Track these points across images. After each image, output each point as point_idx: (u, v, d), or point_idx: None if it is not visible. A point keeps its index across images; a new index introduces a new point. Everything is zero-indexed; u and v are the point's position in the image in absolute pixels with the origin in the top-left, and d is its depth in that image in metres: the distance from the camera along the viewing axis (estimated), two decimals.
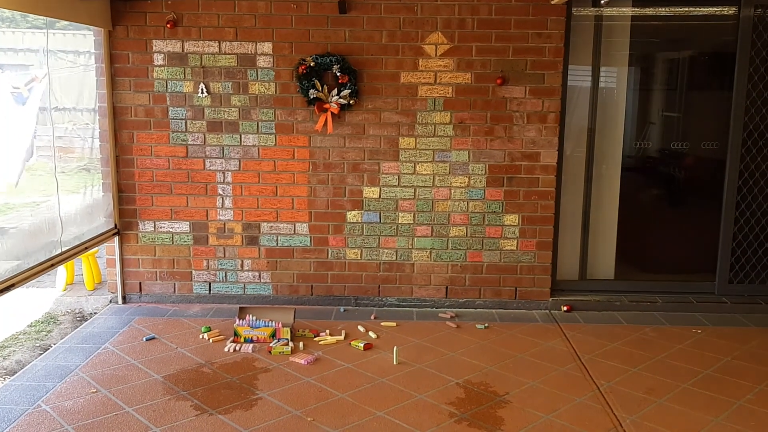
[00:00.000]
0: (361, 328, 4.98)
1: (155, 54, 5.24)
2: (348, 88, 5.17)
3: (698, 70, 6.03)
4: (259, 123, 5.32)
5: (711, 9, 5.55)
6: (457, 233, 5.44)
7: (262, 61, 5.25)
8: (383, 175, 5.38)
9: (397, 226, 5.44)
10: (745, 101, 5.45)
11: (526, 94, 5.27)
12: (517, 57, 5.22)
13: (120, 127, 5.32)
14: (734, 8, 5.44)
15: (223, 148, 5.35)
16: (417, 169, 5.37)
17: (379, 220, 5.44)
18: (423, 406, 3.83)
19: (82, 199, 5.13)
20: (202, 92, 5.26)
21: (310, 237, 5.46)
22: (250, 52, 5.24)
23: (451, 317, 5.29)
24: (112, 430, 3.51)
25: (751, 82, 5.45)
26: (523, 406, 3.83)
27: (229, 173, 5.38)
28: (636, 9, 5.53)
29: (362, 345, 4.62)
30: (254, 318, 4.76)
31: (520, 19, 5.18)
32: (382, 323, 5.11)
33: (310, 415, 3.70)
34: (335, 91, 5.20)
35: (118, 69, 5.25)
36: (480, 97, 5.28)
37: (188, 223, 5.44)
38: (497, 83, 5.23)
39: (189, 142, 5.34)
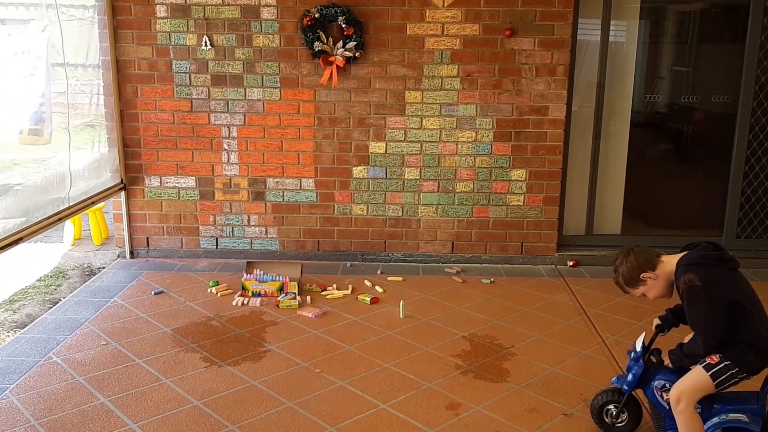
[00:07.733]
0: (367, 283, 5.01)
1: (158, 5, 5.15)
2: (353, 41, 5.08)
3: (710, 22, 5.91)
4: (264, 77, 5.25)
5: None
6: (463, 188, 5.41)
7: (266, 13, 5.16)
8: (389, 130, 5.33)
9: (404, 182, 5.42)
10: (757, 53, 5.35)
11: (535, 46, 5.17)
12: (526, 7, 5.11)
13: (124, 81, 5.27)
14: None
15: (227, 102, 5.30)
16: (423, 123, 5.32)
17: (385, 176, 5.41)
18: (429, 358, 3.86)
19: (89, 154, 5.11)
20: (206, 45, 5.18)
21: (316, 192, 5.44)
22: (253, 3, 5.14)
23: (457, 272, 5.30)
24: (122, 381, 3.56)
25: (764, 33, 5.33)
26: (528, 359, 3.87)
27: (234, 128, 5.34)
28: None
29: (369, 299, 4.65)
30: (262, 272, 4.79)
31: None
32: (389, 278, 5.13)
33: (318, 366, 3.74)
34: (340, 43, 5.12)
35: (121, 21, 5.17)
36: (488, 49, 5.19)
37: (194, 178, 5.43)
38: (506, 35, 5.13)
39: (193, 96, 5.29)
